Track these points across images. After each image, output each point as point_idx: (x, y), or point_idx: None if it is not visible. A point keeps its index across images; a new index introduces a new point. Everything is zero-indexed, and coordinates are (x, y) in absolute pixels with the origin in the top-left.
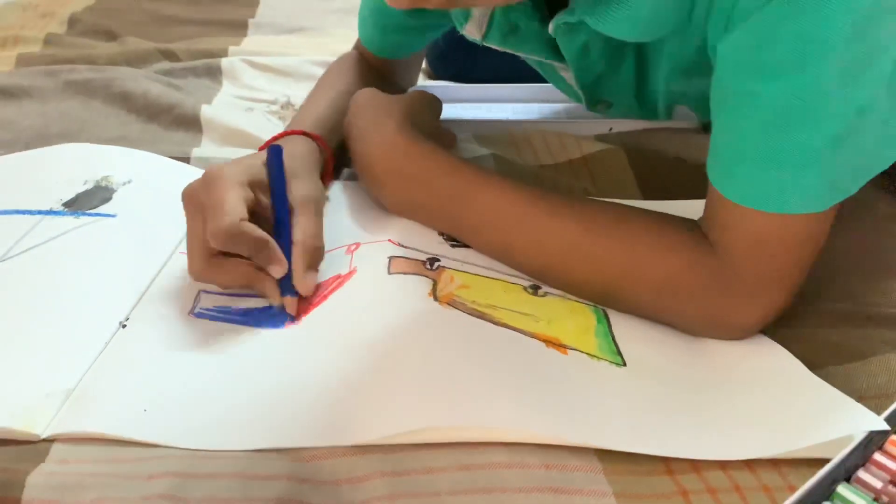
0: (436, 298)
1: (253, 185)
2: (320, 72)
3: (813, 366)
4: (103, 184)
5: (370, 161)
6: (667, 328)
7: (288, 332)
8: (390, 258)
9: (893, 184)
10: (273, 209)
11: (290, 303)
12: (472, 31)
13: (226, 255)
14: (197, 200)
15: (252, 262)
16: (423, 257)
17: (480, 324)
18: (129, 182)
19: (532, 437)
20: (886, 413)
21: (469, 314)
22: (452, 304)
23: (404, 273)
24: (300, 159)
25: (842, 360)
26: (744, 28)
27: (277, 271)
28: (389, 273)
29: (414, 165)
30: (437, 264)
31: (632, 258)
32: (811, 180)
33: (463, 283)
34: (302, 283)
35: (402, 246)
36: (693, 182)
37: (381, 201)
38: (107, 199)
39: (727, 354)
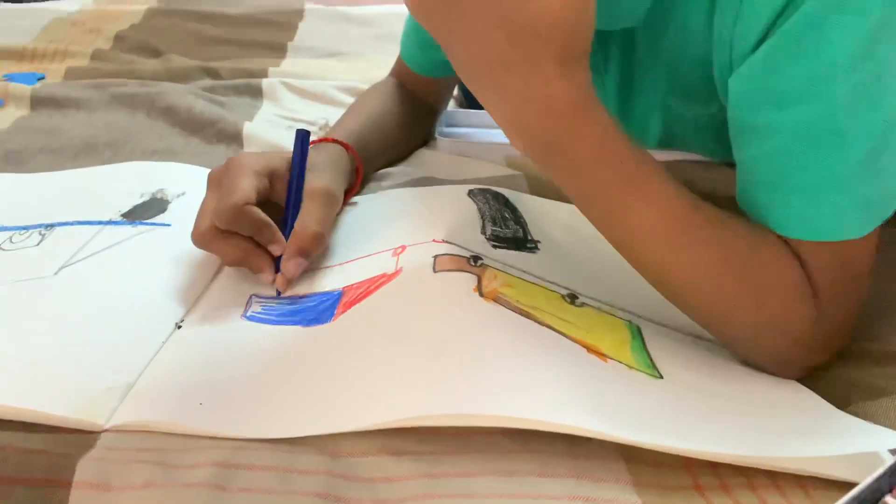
0: (481, 294)
1: (272, 176)
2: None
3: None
4: (159, 196)
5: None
6: (700, 349)
7: (333, 325)
8: (435, 257)
9: None
10: (287, 195)
11: (280, 280)
12: None
13: (231, 233)
14: (216, 180)
15: (252, 241)
16: (467, 254)
17: (525, 321)
18: (182, 194)
19: (572, 430)
20: None
21: (513, 311)
22: (497, 300)
23: (449, 270)
24: (325, 159)
25: (864, 398)
26: (752, 58)
27: (276, 249)
28: (435, 271)
29: (575, 140)
30: (480, 262)
31: (762, 307)
32: (844, 205)
33: (506, 283)
34: (286, 265)
35: (447, 242)
36: None
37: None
38: (162, 210)
39: (758, 381)
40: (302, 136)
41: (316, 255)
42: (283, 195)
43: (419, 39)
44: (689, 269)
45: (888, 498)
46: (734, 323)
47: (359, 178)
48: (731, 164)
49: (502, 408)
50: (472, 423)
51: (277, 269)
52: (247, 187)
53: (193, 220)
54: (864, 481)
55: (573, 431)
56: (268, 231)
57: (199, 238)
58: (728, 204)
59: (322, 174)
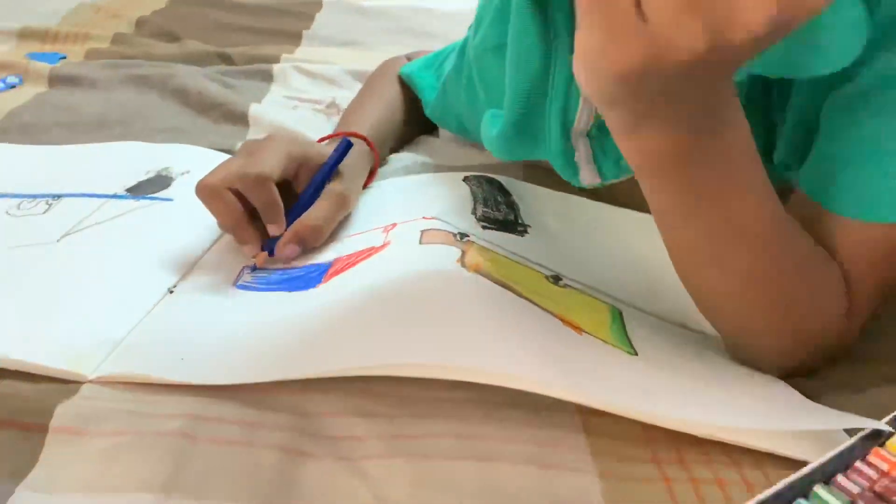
0: (463, 265)
1: (301, 164)
2: (362, 83)
3: None
4: (164, 173)
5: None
6: (680, 335)
7: (317, 290)
8: (423, 231)
9: None
10: (307, 188)
11: (262, 257)
12: (589, 178)
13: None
14: (249, 148)
15: (249, 213)
16: (455, 231)
17: (503, 291)
18: (187, 172)
19: (533, 384)
20: (885, 420)
21: (494, 282)
22: (479, 271)
23: (434, 243)
24: (354, 164)
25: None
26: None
27: (274, 230)
28: (421, 243)
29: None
30: (466, 238)
31: (803, 321)
32: None
33: (490, 259)
34: (280, 248)
35: (437, 219)
36: None
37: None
38: (165, 186)
39: (734, 366)
40: (345, 145)
41: (311, 247)
42: (304, 184)
43: (445, 102)
44: (752, 272)
45: (839, 477)
46: (763, 330)
47: (374, 173)
48: None
49: (466, 360)
50: (435, 375)
51: (265, 248)
52: (275, 164)
53: (194, 196)
54: (817, 460)
55: (534, 387)
56: (274, 210)
57: (205, 188)
58: None
59: (345, 178)
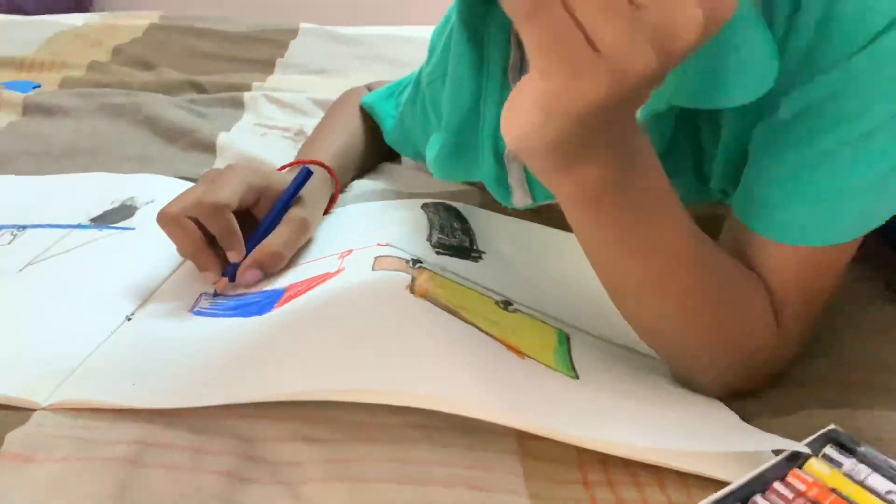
0: (412, 291)
1: (263, 193)
2: None
3: None
4: (128, 203)
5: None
6: (625, 359)
7: (269, 315)
8: (376, 257)
9: None
10: (267, 214)
11: (222, 284)
12: (521, 200)
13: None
14: (211, 177)
15: (206, 240)
16: (408, 257)
17: (448, 317)
18: (151, 202)
19: (472, 411)
20: (804, 442)
21: (440, 308)
22: (426, 297)
23: (386, 269)
24: (314, 191)
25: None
26: (817, 82)
27: (233, 256)
28: (373, 269)
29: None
30: (419, 264)
31: (735, 339)
32: (852, 212)
33: (440, 284)
34: (241, 274)
35: (391, 246)
36: None
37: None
38: (129, 216)
39: (676, 389)
40: (305, 173)
41: (271, 272)
42: (265, 212)
43: (403, 133)
44: (673, 298)
45: (757, 497)
46: (698, 351)
47: (334, 200)
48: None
49: (404, 385)
50: (373, 400)
51: (226, 275)
52: (233, 193)
53: (156, 225)
54: (738, 480)
55: (468, 411)
56: (231, 238)
57: (164, 216)
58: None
59: (305, 204)
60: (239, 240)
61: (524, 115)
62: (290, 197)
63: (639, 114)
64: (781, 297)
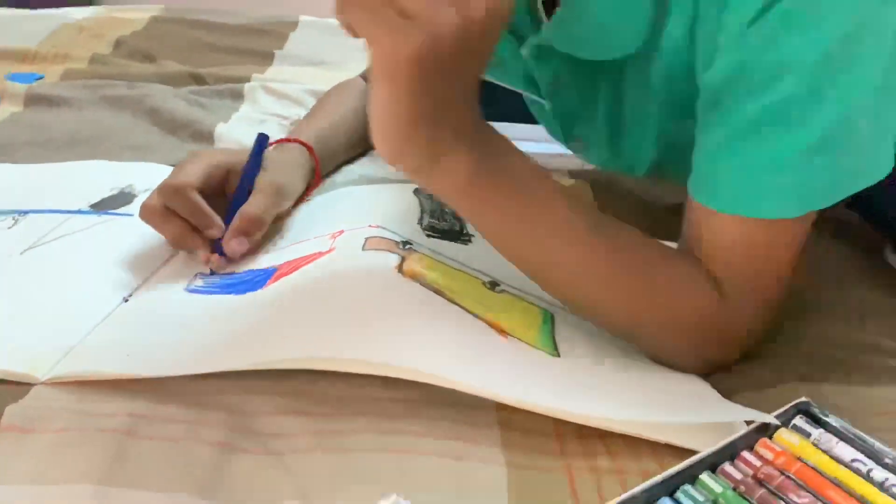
0: (400, 271)
1: (230, 170)
2: None
3: None
4: (127, 190)
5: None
6: (607, 337)
7: (262, 291)
8: (367, 238)
9: None
10: (237, 188)
11: (215, 260)
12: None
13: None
14: (179, 165)
15: (190, 224)
16: (399, 239)
17: (434, 297)
18: (149, 189)
19: (451, 383)
20: (774, 414)
21: (427, 288)
22: (414, 277)
23: (377, 249)
24: (284, 158)
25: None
26: (727, 54)
27: (213, 233)
28: (364, 250)
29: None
30: (408, 246)
31: (665, 306)
32: (784, 186)
33: (428, 266)
34: (228, 245)
35: (382, 227)
36: (658, 226)
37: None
38: (128, 202)
39: (656, 367)
40: (260, 139)
41: (256, 237)
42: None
43: None
44: (593, 281)
45: (726, 465)
46: (636, 324)
47: (317, 176)
48: None
49: (386, 357)
50: (354, 369)
51: (220, 252)
52: (194, 173)
53: None
54: (708, 449)
55: (448, 383)
56: (202, 216)
57: (144, 211)
58: (666, 215)
59: (276, 171)
60: (210, 216)
61: (379, 109)
62: (254, 162)
63: (524, 51)
64: (723, 267)
